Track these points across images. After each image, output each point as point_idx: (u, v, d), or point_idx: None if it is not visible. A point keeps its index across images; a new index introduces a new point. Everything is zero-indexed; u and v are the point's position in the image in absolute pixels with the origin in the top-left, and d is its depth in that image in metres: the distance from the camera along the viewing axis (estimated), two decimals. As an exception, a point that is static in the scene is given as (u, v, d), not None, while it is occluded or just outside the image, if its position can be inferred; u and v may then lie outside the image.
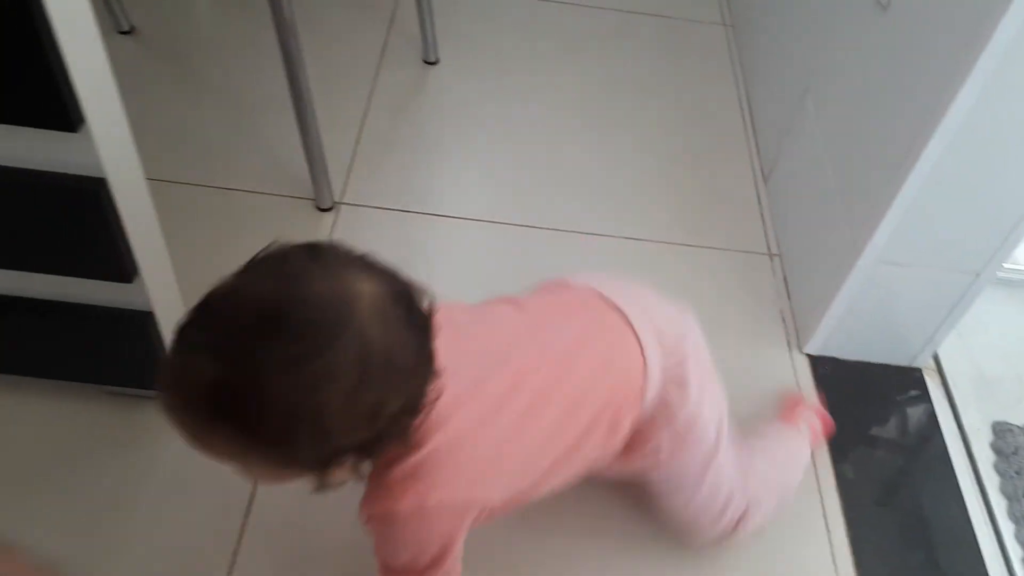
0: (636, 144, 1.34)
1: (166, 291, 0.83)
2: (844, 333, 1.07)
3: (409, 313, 0.59)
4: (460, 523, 0.67)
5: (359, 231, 1.15)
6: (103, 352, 0.86)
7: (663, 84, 1.44)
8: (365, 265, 0.59)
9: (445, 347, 0.62)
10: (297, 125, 1.08)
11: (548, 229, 1.20)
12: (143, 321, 0.81)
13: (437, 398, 0.62)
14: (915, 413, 1.08)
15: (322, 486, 0.60)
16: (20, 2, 0.56)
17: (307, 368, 0.53)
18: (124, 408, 0.92)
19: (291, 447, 0.55)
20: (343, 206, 1.17)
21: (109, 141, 0.68)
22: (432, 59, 1.38)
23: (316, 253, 0.58)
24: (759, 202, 1.28)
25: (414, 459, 0.64)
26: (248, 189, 1.17)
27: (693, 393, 0.79)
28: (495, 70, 1.40)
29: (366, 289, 0.57)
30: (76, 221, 0.71)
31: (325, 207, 1.16)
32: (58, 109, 0.62)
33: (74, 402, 0.92)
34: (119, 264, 0.74)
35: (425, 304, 0.61)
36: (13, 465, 0.88)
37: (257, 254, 0.58)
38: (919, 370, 1.11)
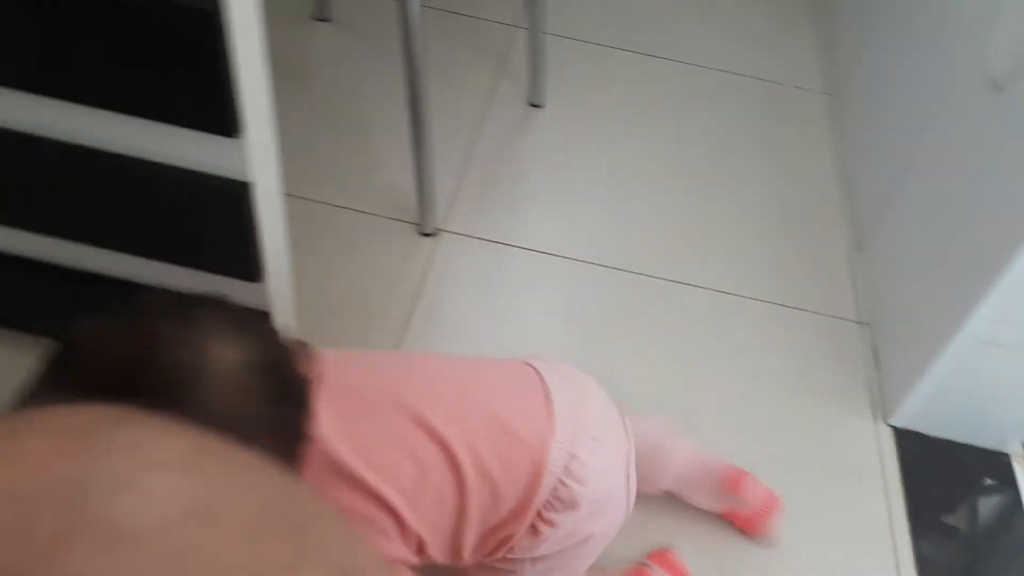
0: (731, 201, 1.35)
1: (284, 294, 0.88)
2: (933, 409, 1.06)
3: (271, 381, 0.55)
4: None
5: (456, 257, 1.19)
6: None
7: (762, 145, 1.46)
8: (241, 330, 0.56)
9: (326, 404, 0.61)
10: (411, 153, 1.14)
11: (637, 274, 1.22)
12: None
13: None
14: (999, 499, 1.06)
15: None
16: (207, 19, 0.62)
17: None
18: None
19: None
20: (443, 233, 1.22)
21: (259, 149, 0.73)
22: (538, 102, 1.43)
23: (193, 313, 0.56)
24: (851, 270, 1.28)
25: None
26: (356, 208, 1.23)
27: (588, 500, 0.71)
28: (598, 117, 1.44)
29: (221, 356, 0.53)
30: (218, 220, 0.77)
31: (427, 232, 1.20)
32: (224, 116, 0.68)
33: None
34: (250, 264, 0.79)
35: (303, 371, 0.58)
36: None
37: (145, 297, 0.56)
38: (1007, 455, 1.09)
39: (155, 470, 0.25)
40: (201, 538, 0.23)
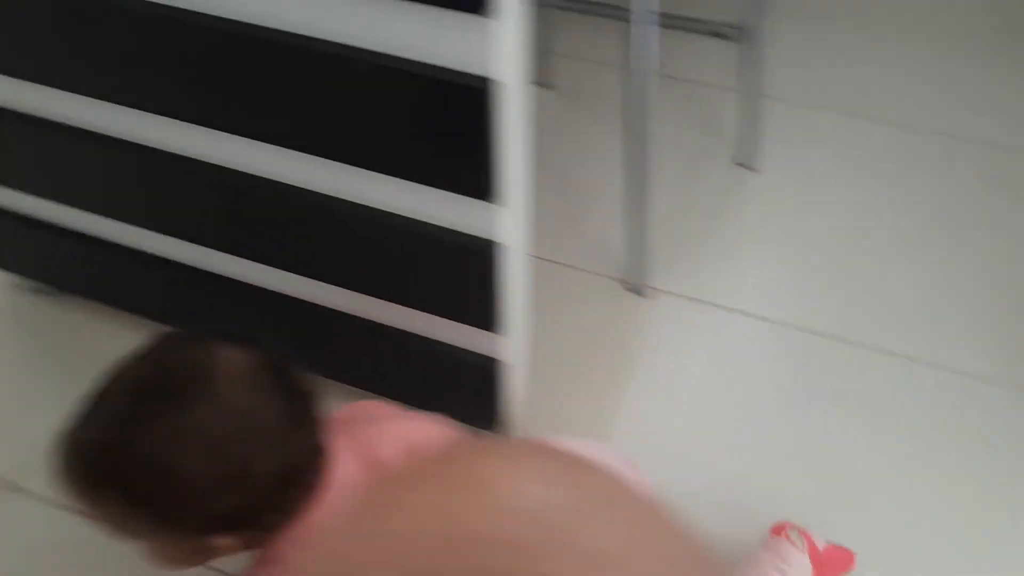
0: (955, 272, 1.29)
1: (519, 346, 0.93)
2: None
3: (278, 379, 0.62)
4: None
5: (661, 315, 1.21)
6: (448, 387, 0.97)
7: (988, 214, 1.38)
8: (235, 339, 0.63)
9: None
10: (623, 211, 1.18)
11: (855, 344, 1.18)
12: (494, 369, 0.91)
13: (321, 474, 0.62)
14: None
15: (207, 555, 0.62)
16: (480, 96, 0.68)
17: (167, 425, 0.58)
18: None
19: (163, 507, 0.59)
20: (651, 291, 1.24)
21: (512, 212, 0.79)
22: (750, 164, 1.43)
23: (192, 333, 0.65)
24: (1092, 352, 1.18)
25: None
26: (567, 263, 1.28)
27: None
28: (811, 181, 1.43)
29: (230, 356, 0.61)
30: (467, 274, 0.83)
31: (635, 290, 1.23)
32: (485, 183, 0.74)
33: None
34: (493, 316, 0.85)
35: (300, 375, 0.64)
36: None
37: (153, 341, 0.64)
38: None
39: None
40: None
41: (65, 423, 0.61)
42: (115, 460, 0.59)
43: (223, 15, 0.70)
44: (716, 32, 1.44)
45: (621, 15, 1.03)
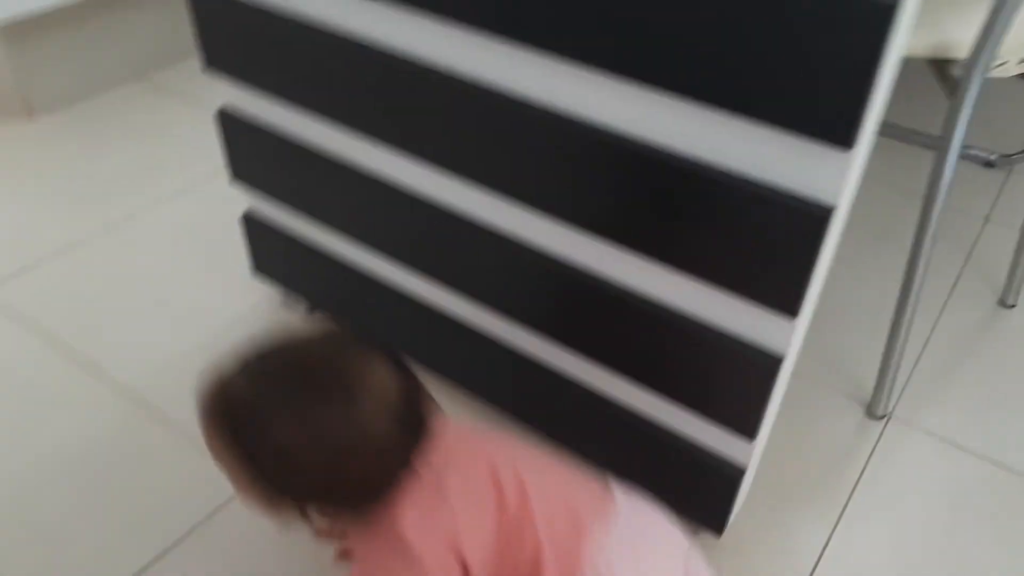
0: None
1: (757, 457, 0.92)
2: None
3: (408, 410, 0.69)
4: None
5: (902, 447, 1.15)
6: (678, 481, 0.96)
7: None
8: (391, 360, 0.70)
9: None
10: (889, 336, 1.14)
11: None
12: (734, 474, 0.91)
13: (397, 485, 0.70)
14: None
15: (285, 517, 0.70)
16: (822, 224, 0.68)
17: (299, 411, 0.65)
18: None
19: (267, 468, 0.67)
20: (892, 419, 1.19)
21: (800, 329, 0.79)
22: (1011, 302, 1.35)
23: (358, 340, 0.71)
24: None
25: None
26: (812, 375, 1.25)
27: None
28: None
29: (380, 376, 0.68)
30: (745, 381, 0.82)
31: (877, 415, 1.19)
32: (793, 300, 0.74)
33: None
34: (755, 424, 0.85)
35: (427, 410, 0.71)
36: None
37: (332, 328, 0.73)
38: None
39: None
40: None
41: (223, 367, 0.70)
42: (242, 414, 0.67)
43: (588, 120, 0.76)
44: (987, 162, 1.39)
45: (926, 142, 1.01)
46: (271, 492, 0.69)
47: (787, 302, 0.74)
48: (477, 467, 0.74)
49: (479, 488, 0.73)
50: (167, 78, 1.97)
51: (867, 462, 1.14)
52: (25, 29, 1.73)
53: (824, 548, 1.04)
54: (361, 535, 0.73)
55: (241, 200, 1.24)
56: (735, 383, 0.83)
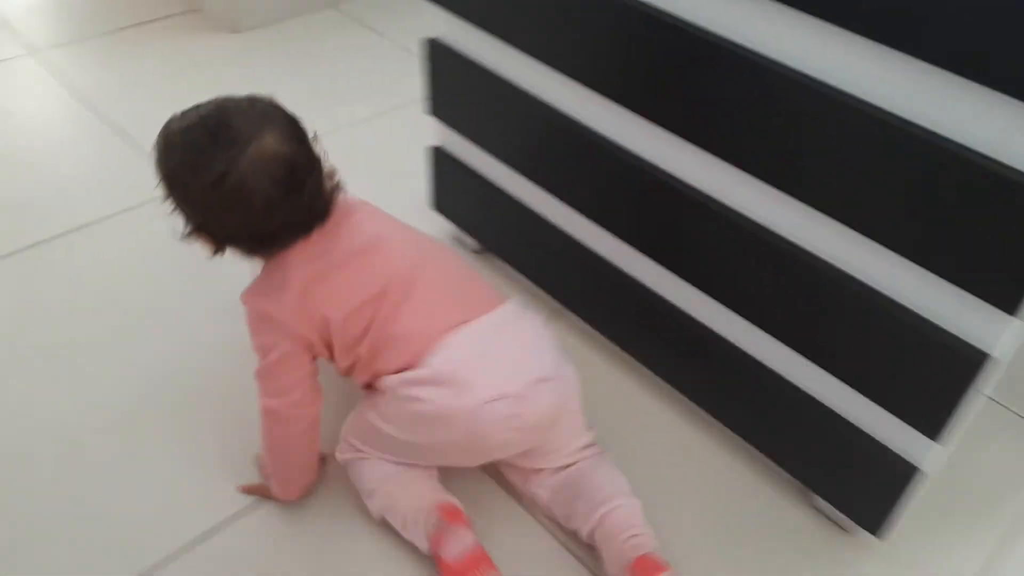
0: None
1: (938, 464, 0.87)
2: None
3: (290, 177, 0.81)
4: (268, 326, 0.87)
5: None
6: (852, 476, 0.93)
7: None
8: (291, 131, 0.83)
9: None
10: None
11: None
12: (912, 476, 0.87)
13: (286, 242, 0.86)
14: None
15: (190, 239, 0.86)
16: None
17: (188, 146, 0.80)
18: (820, 530, 1.00)
19: (167, 190, 0.83)
20: None
21: (1018, 326, 0.75)
22: None
23: (272, 105, 0.84)
24: None
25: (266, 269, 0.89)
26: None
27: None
28: None
29: (269, 141, 0.79)
30: (948, 379, 0.78)
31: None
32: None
33: (781, 496, 1.03)
34: (945, 426, 0.81)
35: (315, 184, 0.84)
36: (709, 516, 1.02)
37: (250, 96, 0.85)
38: None
39: None
40: None
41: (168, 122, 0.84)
42: (159, 149, 0.83)
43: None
44: None
45: None
46: (184, 218, 0.85)
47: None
48: (376, 249, 0.89)
49: (365, 267, 0.88)
50: (355, 8, 2.08)
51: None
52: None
53: (970, 559, 0.99)
54: (253, 287, 0.90)
55: (425, 135, 1.27)
56: (940, 381, 0.79)
